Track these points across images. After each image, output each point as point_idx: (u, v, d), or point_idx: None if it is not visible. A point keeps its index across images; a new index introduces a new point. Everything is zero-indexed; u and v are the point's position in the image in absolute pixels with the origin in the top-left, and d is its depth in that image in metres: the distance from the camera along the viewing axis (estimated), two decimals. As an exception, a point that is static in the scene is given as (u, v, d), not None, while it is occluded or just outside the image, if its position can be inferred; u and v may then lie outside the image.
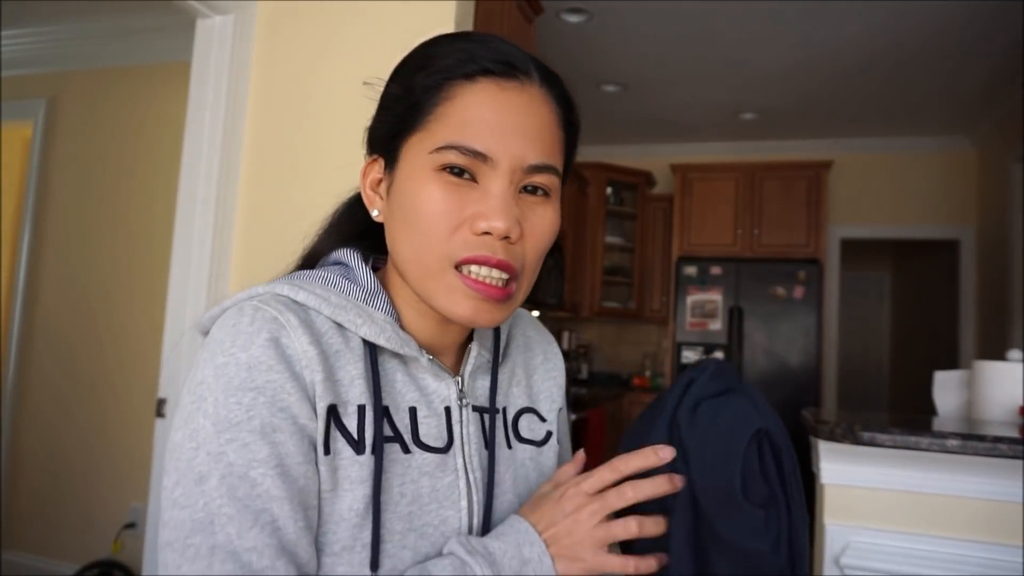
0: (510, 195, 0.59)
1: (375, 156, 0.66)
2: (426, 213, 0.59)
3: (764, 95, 4.46)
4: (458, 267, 0.59)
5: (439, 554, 0.61)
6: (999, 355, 2.07)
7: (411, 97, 0.61)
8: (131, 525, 2.94)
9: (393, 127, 0.63)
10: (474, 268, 0.59)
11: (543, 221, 0.62)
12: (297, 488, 0.56)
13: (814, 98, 4.46)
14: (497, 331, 0.73)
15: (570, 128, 0.66)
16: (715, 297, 4.94)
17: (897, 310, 6.90)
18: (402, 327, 0.66)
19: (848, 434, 1.35)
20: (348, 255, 0.68)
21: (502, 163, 0.59)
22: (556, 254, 4.28)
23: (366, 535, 0.58)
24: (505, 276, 0.60)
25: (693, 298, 4.98)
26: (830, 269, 5.17)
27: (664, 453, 0.61)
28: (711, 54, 3.86)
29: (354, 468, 0.59)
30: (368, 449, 0.59)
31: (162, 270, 2.38)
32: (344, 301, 0.63)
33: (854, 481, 1.37)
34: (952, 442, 1.29)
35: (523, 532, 0.59)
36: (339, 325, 0.62)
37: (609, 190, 5.29)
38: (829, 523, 1.38)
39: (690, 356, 4.96)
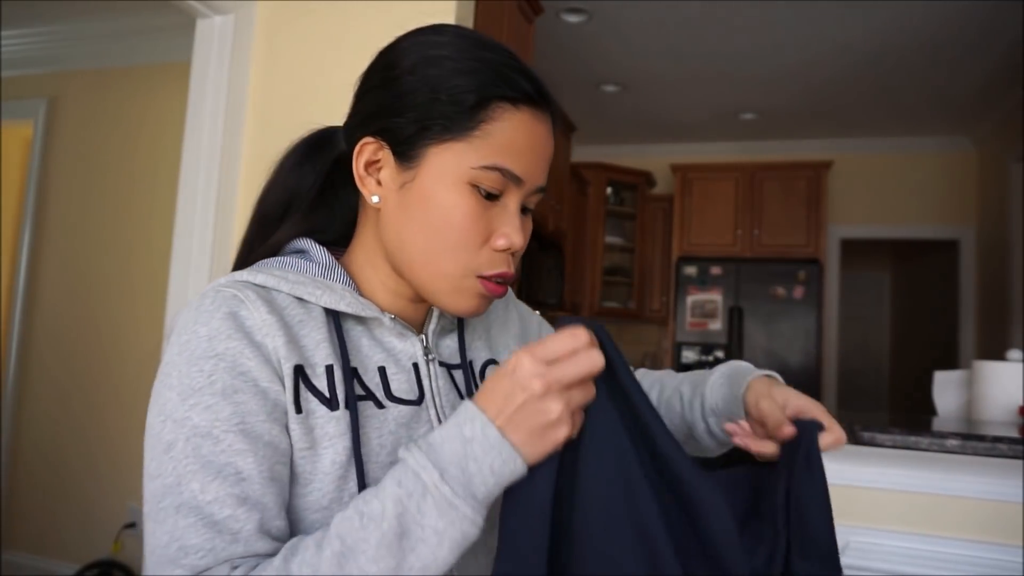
0: (520, 213, 0.66)
1: (379, 140, 0.66)
2: (457, 225, 0.63)
3: (764, 95, 4.46)
4: (481, 278, 0.65)
5: None
6: (999, 355, 2.07)
7: (452, 104, 0.62)
8: (131, 525, 2.94)
9: (420, 124, 0.63)
10: (495, 279, 0.66)
11: (528, 231, 0.69)
12: (262, 443, 0.57)
13: (814, 98, 4.47)
14: None
15: None
16: (715, 297, 4.95)
17: (897, 310, 6.90)
18: (362, 296, 0.69)
19: (848, 434, 1.35)
20: (304, 242, 0.70)
21: (526, 186, 0.65)
22: (556, 254, 4.27)
23: (352, 486, 0.60)
24: (509, 281, 0.68)
25: (693, 298, 4.98)
26: (830, 269, 5.18)
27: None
28: (711, 54, 3.86)
29: (330, 424, 0.61)
30: (342, 404, 0.62)
31: (162, 270, 2.39)
32: (301, 277, 0.65)
33: (854, 481, 1.37)
34: (952, 442, 1.29)
35: (462, 412, 0.54)
36: (300, 300, 0.65)
37: (609, 190, 5.29)
38: (829, 523, 1.38)
39: (690, 356, 4.96)
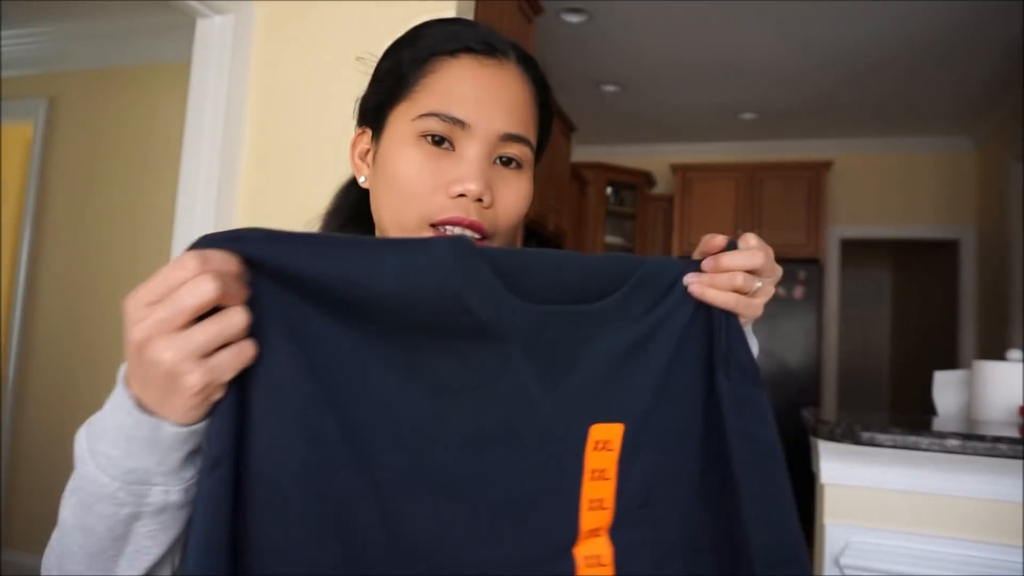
0: (485, 162, 0.64)
1: (363, 128, 0.71)
2: (405, 176, 0.63)
3: (764, 95, 4.46)
4: (434, 227, 0.63)
5: None
6: (999, 355, 2.07)
7: (398, 70, 0.66)
8: (131, 525, 2.94)
9: (381, 99, 0.68)
10: (449, 228, 0.63)
11: (515, 191, 0.66)
12: None
13: (814, 98, 4.46)
14: None
15: (544, 109, 0.71)
16: (715, 297, 4.94)
17: (897, 310, 6.90)
18: None
19: (848, 434, 1.35)
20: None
21: (478, 130, 0.63)
22: (556, 254, 4.27)
23: None
24: (477, 236, 0.63)
25: (693, 298, 4.98)
26: (830, 269, 5.17)
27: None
28: (711, 54, 3.86)
29: None
30: None
31: (162, 270, 2.38)
32: None
33: (854, 481, 1.37)
34: (952, 442, 1.29)
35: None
36: None
37: (609, 190, 5.29)
38: (829, 523, 1.38)
39: (690, 356, 4.95)
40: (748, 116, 4.85)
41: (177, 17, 2.68)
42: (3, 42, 3.46)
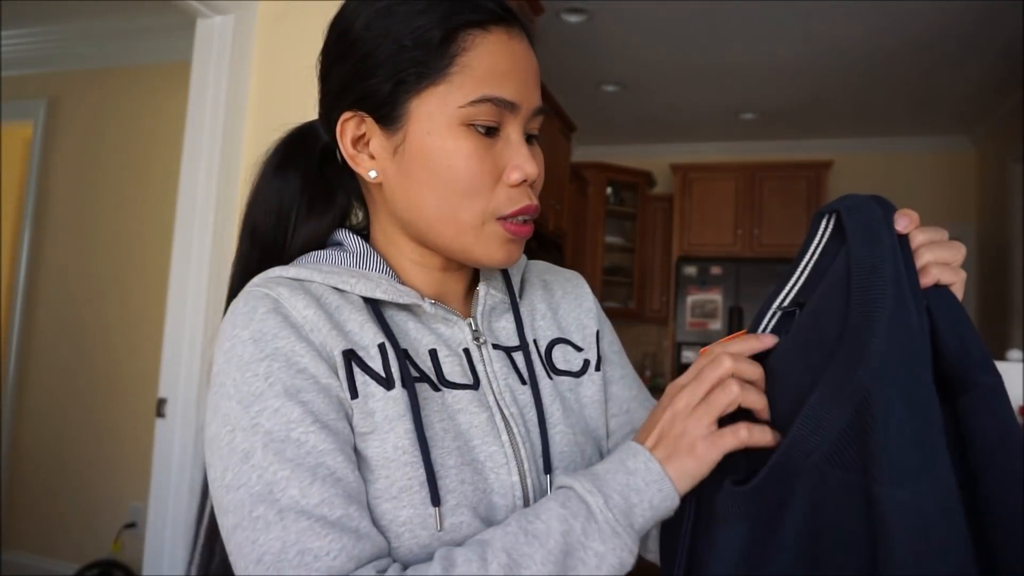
0: (525, 142, 0.61)
1: (357, 112, 0.62)
2: (462, 170, 0.59)
3: (764, 95, 4.46)
4: (502, 220, 0.61)
5: (495, 491, 0.60)
6: (999, 355, 2.07)
7: (419, 47, 0.58)
8: (131, 525, 2.94)
9: (394, 80, 0.59)
10: (519, 217, 0.61)
11: (541, 160, 0.64)
12: (342, 439, 0.55)
13: (814, 98, 4.46)
14: (505, 271, 0.72)
15: None
16: (715, 297, 4.94)
17: (897, 310, 6.90)
18: (401, 283, 0.65)
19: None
20: (340, 233, 0.68)
21: (522, 110, 0.60)
22: (556, 254, 4.27)
23: (420, 472, 0.56)
24: (532, 218, 0.63)
25: (693, 298, 4.98)
26: (830, 269, 5.17)
27: (767, 340, 0.57)
28: (711, 54, 3.86)
29: (389, 405, 0.57)
30: (398, 383, 0.58)
31: (162, 270, 2.38)
32: (335, 268, 0.63)
33: (854, 481, 1.37)
34: (952, 442, 1.29)
35: (627, 447, 0.56)
36: (336, 289, 0.62)
37: (609, 190, 5.29)
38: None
39: (690, 356, 4.96)
40: (748, 116, 4.85)
41: (177, 17, 2.68)
42: (3, 42, 3.46)
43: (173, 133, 2.92)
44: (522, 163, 0.60)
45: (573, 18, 3.49)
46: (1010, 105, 4.21)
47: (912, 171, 5.17)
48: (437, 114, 0.58)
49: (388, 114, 0.60)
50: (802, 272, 0.58)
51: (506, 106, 0.59)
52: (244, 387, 0.55)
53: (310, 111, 0.72)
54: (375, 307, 0.62)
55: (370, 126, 0.62)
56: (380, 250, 0.67)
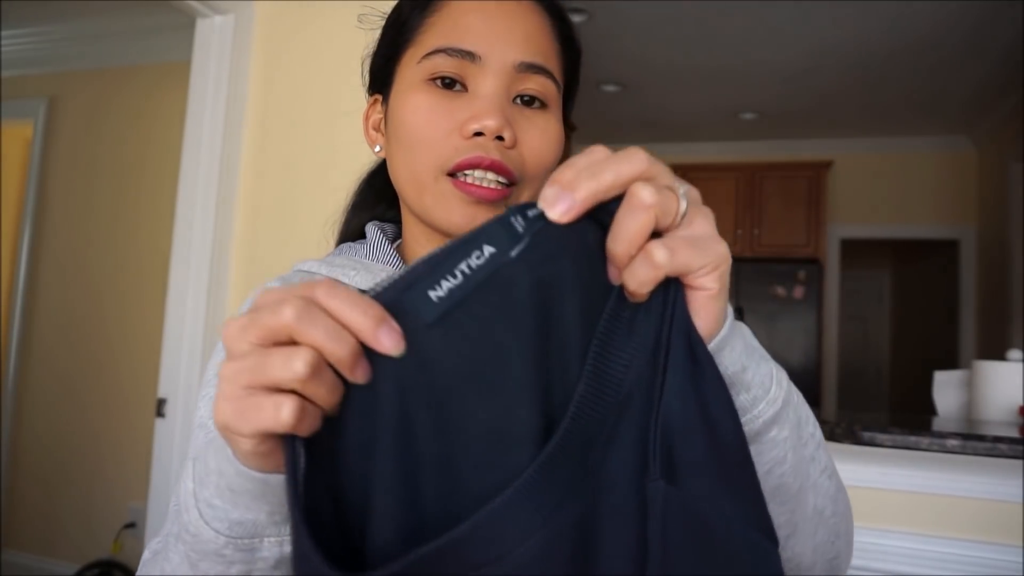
0: (503, 98, 0.55)
1: (375, 95, 0.64)
2: (413, 124, 0.56)
3: (764, 95, 4.46)
4: (452, 175, 0.55)
5: None
6: (999, 355, 2.07)
7: (400, 18, 0.60)
8: (131, 525, 2.94)
9: (386, 55, 0.62)
10: (468, 172, 0.54)
11: (542, 130, 0.57)
12: None
13: (814, 98, 4.46)
14: None
15: (568, 45, 0.63)
16: (715, 297, 4.94)
17: (897, 310, 6.90)
18: None
19: (848, 434, 1.35)
20: (368, 226, 0.67)
21: (491, 62, 0.55)
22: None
23: None
24: (502, 179, 0.54)
25: (693, 298, 4.98)
26: (830, 269, 5.17)
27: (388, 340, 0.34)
28: (711, 54, 3.86)
29: None
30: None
31: (162, 270, 2.39)
32: (346, 260, 0.62)
33: (854, 481, 1.37)
34: (952, 442, 1.29)
35: None
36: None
37: (609, 190, 5.29)
38: (829, 523, 1.38)
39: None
40: (748, 116, 4.85)
41: (177, 17, 2.68)
42: (3, 42, 3.46)
43: (173, 133, 2.92)
44: (477, 112, 0.53)
45: (573, 18, 3.48)
46: (1011, 105, 4.21)
47: (912, 171, 5.17)
48: (406, 74, 0.58)
49: (386, 87, 0.62)
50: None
51: (464, 56, 0.55)
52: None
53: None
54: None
55: (380, 107, 0.64)
56: (404, 238, 0.66)
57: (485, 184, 0.54)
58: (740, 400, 0.43)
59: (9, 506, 3.24)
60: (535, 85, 0.57)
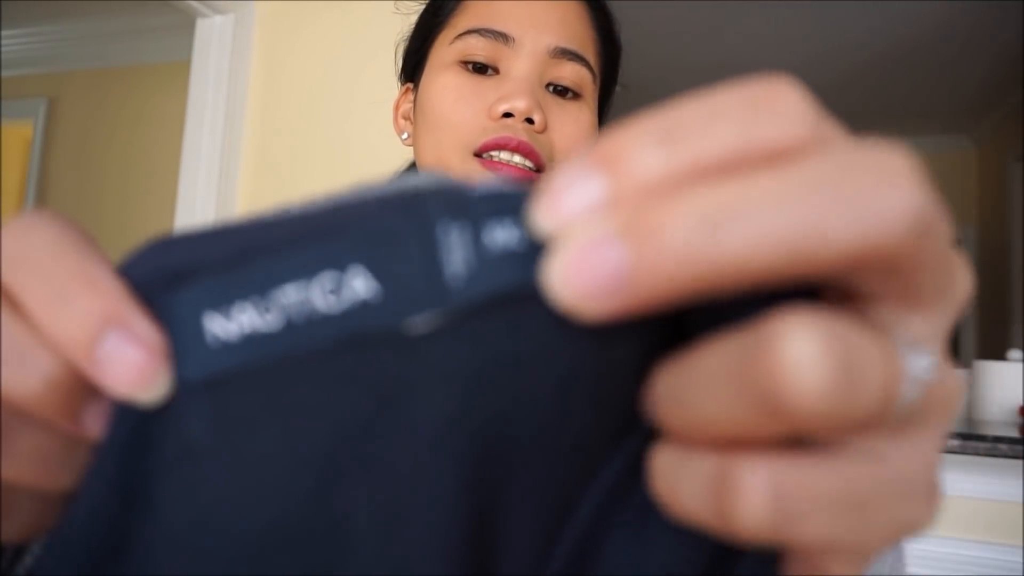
0: (535, 81, 0.53)
1: (406, 85, 0.63)
2: (441, 104, 0.54)
3: (764, 95, 4.46)
4: (478, 156, 0.52)
5: None
6: (999, 355, 2.07)
7: (435, 5, 0.59)
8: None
9: (420, 36, 0.60)
10: (494, 154, 0.52)
11: (575, 119, 0.54)
12: None
13: (814, 98, 4.46)
14: None
15: (607, 38, 0.60)
16: (715, 297, 4.94)
17: (897, 310, 6.90)
18: None
19: (848, 434, 1.35)
20: None
21: (525, 45, 0.53)
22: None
23: None
24: (529, 164, 0.52)
25: (693, 298, 4.98)
26: (830, 269, 5.17)
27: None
28: (712, 54, 3.86)
29: None
30: None
31: (162, 270, 2.38)
32: None
33: (854, 481, 1.37)
34: (952, 442, 1.29)
35: None
36: None
37: (609, 190, 5.29)
38: (829, 523, 1.38)
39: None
40: (748, 116, 4.86)
41: (177, 17, 2.69)
42: (3, 42, 3.46)
43: (173, 133, 2.92)
44: (507, 94, 0.51)
45: (573, 18, 3.49)
46: (1011, 105, 4.21)
47: (912, 171, 5.17)
48: (437, 58, 0.57)
49: (417, 74, 0.60)
50: None
51: (498, 37, 0.53)
52: None
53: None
54: None
55: (411, 96, 0.62)
56: None
57: (513, 164, 0.52)
58: None
59: (9, 506, 3.24)
60: (569, 73, 0.55)
